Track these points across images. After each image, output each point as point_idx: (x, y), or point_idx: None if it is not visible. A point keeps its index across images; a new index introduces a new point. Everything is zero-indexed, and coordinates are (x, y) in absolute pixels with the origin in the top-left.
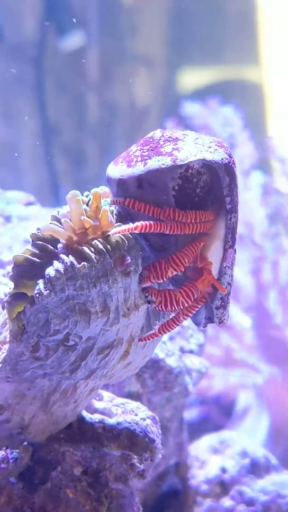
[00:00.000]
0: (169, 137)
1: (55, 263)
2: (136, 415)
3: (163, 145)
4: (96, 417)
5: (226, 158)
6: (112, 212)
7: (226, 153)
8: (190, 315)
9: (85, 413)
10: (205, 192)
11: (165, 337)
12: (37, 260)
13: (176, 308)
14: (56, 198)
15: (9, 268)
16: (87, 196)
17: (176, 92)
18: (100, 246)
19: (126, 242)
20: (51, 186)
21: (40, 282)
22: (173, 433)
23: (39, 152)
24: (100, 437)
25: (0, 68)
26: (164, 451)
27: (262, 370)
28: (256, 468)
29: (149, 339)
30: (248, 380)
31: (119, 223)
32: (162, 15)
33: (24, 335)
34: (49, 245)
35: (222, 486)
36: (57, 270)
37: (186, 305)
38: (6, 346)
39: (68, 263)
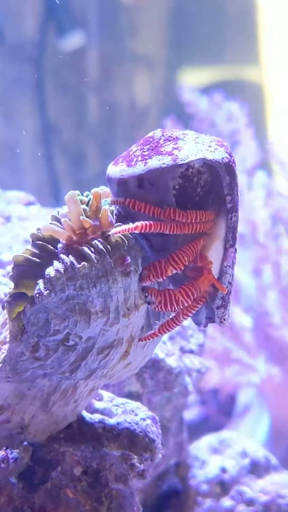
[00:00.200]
0: (169, 136)
1: (55, 263)
2: (136, 415)
3: (163, 145)
4: (96, 417)
5: (227, 157)
6: (112, 212)
7: (226, 152)
8: (190, 315)
9: (85, 413)
10: (206, 191)
11: (165, 337)
12: (37, 260)
13: (176, 308)
14: (56, 198)
15: (9, 268)
16: (87, 196)
17: (176, 92)
18: (100, 246)
19: (126, 242)
20: (51, 186)
21: (40, 282)
22: (173, 433)
23: (39, 152)
24: (100, 437)
25: (0, 68)
26: (164, 451)
27: (260, 370)
28: (256, 468)
29: (149, 339)
30: (244, 379)
31: (119, 223)
32: (162, 15)
33: (24, 335)
34: (49, 245)
35: (222, 486)
36: (57, 270)
37: (186, 305)
38: (6, 346)
39: (68, 263)
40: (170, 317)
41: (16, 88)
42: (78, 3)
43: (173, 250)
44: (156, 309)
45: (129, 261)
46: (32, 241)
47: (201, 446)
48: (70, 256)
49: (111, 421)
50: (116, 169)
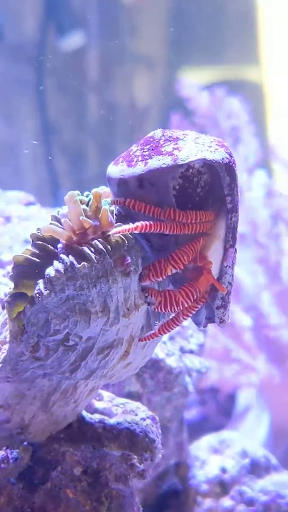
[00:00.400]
0: (170, 136)
1: (55, 263)
2: (136, 415)
3: (163, 145)
4: (96, 417)
5: (227, 158)
6: (112, 212)
7: (226, 152)
8: (190, 315)
9: (85, 413)
10: (206, 191)
11: (165, 337)
12: (37, 260)
13: (176, 309)
14: (55, 198)
15: (9, 268)
16: (87, 196)
17: (176, 92)
18: (100, 246)
19: (126, 242)
20: (51, 186)
21: (40, 282)
22: (173, 433)
23: (39, 152)
24: (100, 437)
25: (0, 68)
26: (164, 451)
27: (260, 369)
28: (256, 468)
29: (149, 339)
30: (243, 379)
31: (119, 223)
32: (162, 15)
33: (24, 335)
34: (49, 245)
35: (222, 486)
36: (57, 270)
37: (186, 305)
38: (6, 346)
39: (68, 263)
40: (170, 317)
41: (16, 88)
42: (78, 3)
43: (173, 250)
44: (156, 310)
45: (129, 261)
46: (32, 241)
47: (201, 446)
48: (70, 256)
49: (111, 421)
50: (116, 169)
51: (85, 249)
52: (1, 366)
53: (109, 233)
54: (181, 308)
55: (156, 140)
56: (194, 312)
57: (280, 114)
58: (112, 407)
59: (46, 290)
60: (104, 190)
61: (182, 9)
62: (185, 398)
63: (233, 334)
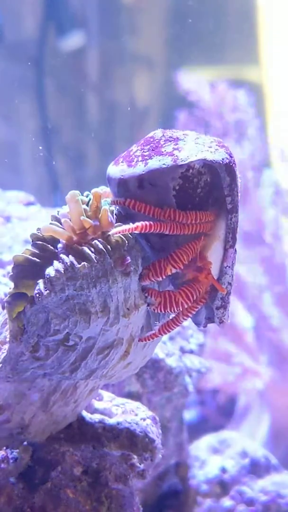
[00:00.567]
0: (170, 137)
1: (55, 263)
2: (136, 415)
3: (163, 145)
4: (96, 417)
5: (227, 158)
6: (112, 212)
7: (226, 153)
8: (190, 315)
9: (85, 413)
10: (206, 192)
11: (165, 337)
12: (37, 260)
13: (176, 309)
14: (55, 198)
15: (9, 268)
16: (87, 196)
17: (176, 92)
18: (100, 246)
19: (126, 242)
20: (51, 186)
21: (40, 282)
22: (173, 433)
23: (39, 152)
24: (100, 437)
25: (0, 68)
26: (164, 451)
27: (261, 372)
28: (256, 468)
29: (149, 340)
30: (246, 383)
31: (119, 223)
32: (162, 15)
33: (24, 335)
34: (49, 245)
35: (222, 486)
36: (57, 270)
37: (186, 306)
38: (6, 346)
39: (68, 263)
40: (170, 318)
41: (16, 88)
42: (78, 3)
43: (173, 250)
44: (156, 310)
45: (129, 261)
46: (32, 241)
47: (201, 446)
48: (70, 256)
49: (111, 421)
50: (116, 169)
51: (85, 249)
52: (1, 366)
53: (109, 233)
54: (181, 309)
55: (156, 140)
56: (194, 312)
57: (280, 114)
58: (112, 407)
59: (46, 290)
60: (104, 190)
61: (182, 9)
62: (185, 398)
63: (235, 335)
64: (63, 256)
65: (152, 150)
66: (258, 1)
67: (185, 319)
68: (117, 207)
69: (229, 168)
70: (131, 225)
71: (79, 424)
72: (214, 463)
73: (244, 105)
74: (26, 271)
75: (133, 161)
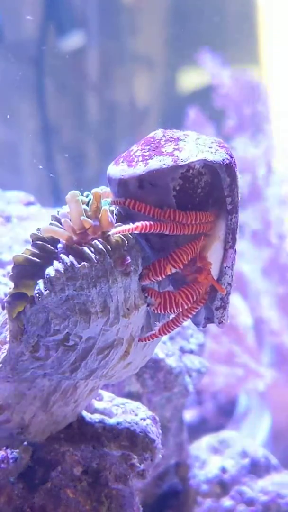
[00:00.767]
0: (170, 137)
1: (55, 263)
2: (136, 415)
3: (164, 145)
4: (96, 417)
5: (227, 159)
6: (112, 212)
7: (227, 153)
8: (191, 316)
9: (85, 413)
10: (206, 192)
11: (165, 337)
12: (37, 260)
13: (176, 310)
14: (56, 198)
15: (9, 268)
16: (87, 196)
17: (176, 92)
18: (100, 246)
19: (126, 242)
20: (51, 186)
21: (40, 282)
22: (173, 433)
23: (39, 152)
24: (100, 437)
25: (0, 68)
26: (164, 451)
27: (262, 373)
28: (256, 468)
29: (149, 340)
30: (250, 386)
31: (119, 223)
32: (162, 15)
33: (24, 335)
34: (49, 245)
35: (222, 486)
36: (57, 270)
37: (186, 307)
38: (6, 346)
39: (68, 263)
40: (170, 318)
41: (16, 88)
42: (78, 3)
43: (173, 250)
44: (156, 311)
45: (129, 261)
46: (32, 241)
47: (201, 446)
48: (70, 256)
49: (111, 421)
50: (116, 169)
51: (85, 249)
52: (1, 366)
53: (109, 233)
54: (181, 310)
55: (157, 141)
56: (194, 313)
57: (280, 114)
58: (112, 407)
59: (46, 290)
60: (104, 190)
61: (182, 9)
62: (185, 398)
63: (236, 336)
64: (63, 256)
65: (153, 150)
66: (258, 1)
67: (185, 320)
68: (117, 207)
69: (229, 168)
70: (131, 225)
71: (79, 424)
72: (214, 463)
73: (264, 98)
74: (26, 271)
75: (134, 161)
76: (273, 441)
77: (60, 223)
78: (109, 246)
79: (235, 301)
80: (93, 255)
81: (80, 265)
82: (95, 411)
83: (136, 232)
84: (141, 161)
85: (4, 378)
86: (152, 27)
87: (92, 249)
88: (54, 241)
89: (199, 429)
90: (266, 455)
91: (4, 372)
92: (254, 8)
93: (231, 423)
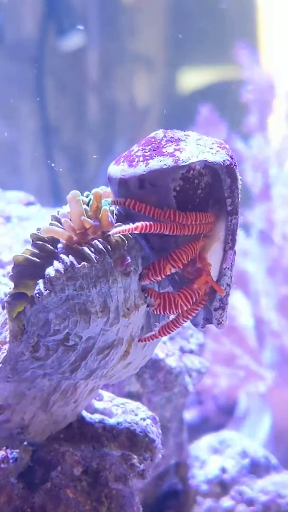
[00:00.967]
0: (171, 137)
1: (55, 263)
2: (136, 415)
3: (165, 146)
4: (96, 417)
5: (228, 160)
6: (112, 212)
7: (228, 154)
8: (190, 317)
9: (85, 413)
10: (206, 193)
11: (165, 337)
12: (37, 260)
13: (175, 311)
14: (56, 198)
15: (9, 268)
16: (87, 196)
17: (176, 92)
18: (100, 246)
19: (126, 242)
20: (51, 186)
21: (40, 282)
22: (173, 433)
23: (39, 152)
24: (100, 437)
25: (0, 68)
26: (164, 451)
27: (266, 377)
28: (256, 468)
29: (149, 340)
30: (251, 387)
31: (120, 223)
32: (162, 15)
33: (24, 335)
34: (49, 245)
35: (222, 486)
36: (57, 270)
37: (185, 308)
38: (6, 346)
39: (68, 263)
40: (170, 319)
41: (16, 88)
42: (78, 3)
43: (172, 250)
44: (155, 312)
45: (129, 261)
46: (32, 241)
47: (201, 446)
48: (70, 256)
49: (111, 421)
50: (117, 169)
51: (85, 249)
52: (1, 366)
53: (109, 233)
54: (181, 311)
55: (158, 141)
56: (194, 314)
57: (280, 114)
58: (112, 407)
59: (46, 290)
60: (104, 190)
61: (182, 9)
62: (185, 398)
63: (237, 336)
64: (63, 256)
65: (153, 150)
66: (258, 1)
67: (185, 321)
68: (117, 207)
69: (230, 169)
70: (131, 225)
71: (79, 424)
72: (214, 463)
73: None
74: (26, 271)
75: (134, 161)
76: (274, 441)
77: (60, 223)
78: (109, 246)
79: (237, 301)
80: (93, 255)
81: (80, 265)
82: (95, 411)
83: (136, 232)
84: (141, 161)
85: (4, 378)
86: (152, 27)
87: (92, 249)
88: (54, 241)
89: (199, 429)
90: (266, 455)
91: (4, 372)
92: (254, 8)
93: (231, 423)
